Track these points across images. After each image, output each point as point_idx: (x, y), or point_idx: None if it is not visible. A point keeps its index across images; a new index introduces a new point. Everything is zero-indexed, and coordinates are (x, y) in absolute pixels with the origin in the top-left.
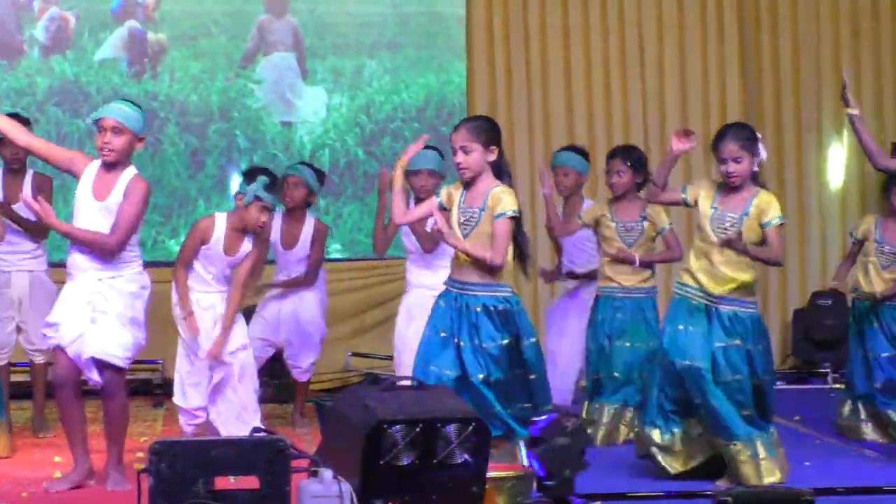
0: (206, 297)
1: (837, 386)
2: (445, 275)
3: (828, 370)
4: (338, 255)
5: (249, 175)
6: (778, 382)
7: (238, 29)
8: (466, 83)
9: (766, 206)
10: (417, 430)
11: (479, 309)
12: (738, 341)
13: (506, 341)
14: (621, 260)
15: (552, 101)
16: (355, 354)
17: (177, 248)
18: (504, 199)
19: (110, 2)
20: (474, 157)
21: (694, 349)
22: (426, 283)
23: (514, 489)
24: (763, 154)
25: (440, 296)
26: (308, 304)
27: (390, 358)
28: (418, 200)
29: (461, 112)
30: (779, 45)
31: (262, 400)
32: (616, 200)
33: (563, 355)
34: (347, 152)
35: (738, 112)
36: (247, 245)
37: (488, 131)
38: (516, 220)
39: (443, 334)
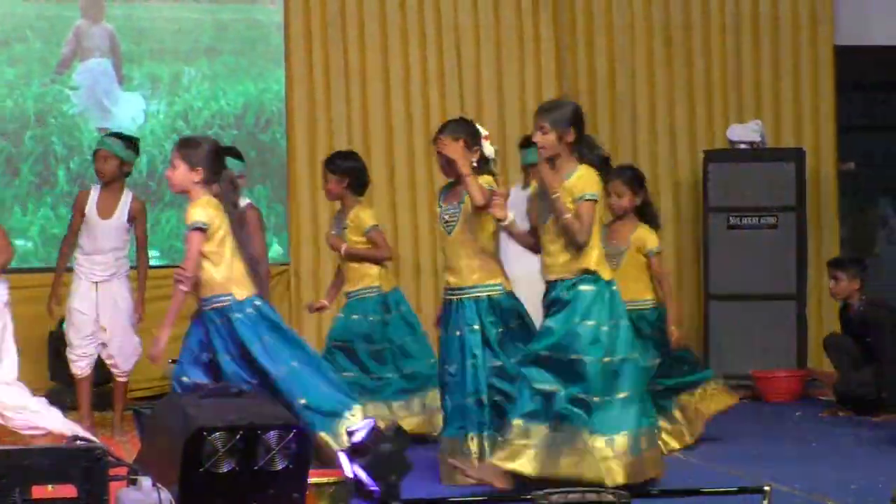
0: None
1: None
2: None
3: None
4: (156, 262)
5: None
6: None
7: (54, 34)
8: (285, 90)
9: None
10: (237, 436)
11: None
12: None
13: None
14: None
15: (371, 108)
16: (174, 361)
17: None
18: None
19: None
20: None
21: None
22: None
23: (336, 495)
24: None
25: None
26: (123, 290)
27: None
28: None
29: (280, 119)
30: (594, 51)
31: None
32: None
33: None
34: (165, 159)
35: None
36: None
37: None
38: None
39: None
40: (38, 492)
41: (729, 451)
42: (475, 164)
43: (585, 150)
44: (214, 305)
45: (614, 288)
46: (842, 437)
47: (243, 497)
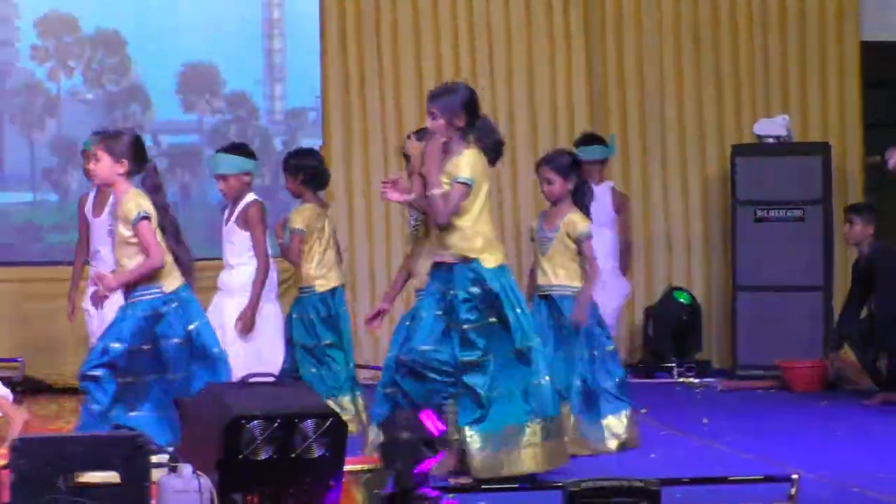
0: None
1: (682, 380)
2: None
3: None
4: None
5: None
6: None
7: None
8: (321, 90)
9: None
10: (275, 425)
11: None
12: None
13: None
14: None
15: (405, 107)
16: None
17: None
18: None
19: None
20: None
21: None
22: None
23: (371, 482)
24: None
25: None
26: None
27: None
28: None
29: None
30: (623, 52)
31: None
32: None
33: None
34: None
35: (584, 116)
36: None
37: None
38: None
39: None
40: (82, 478)
41: (757, 439)
42: None
43: (484, 134)
44: (144, 297)
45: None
46: (868, 425)
47: (281, 484)
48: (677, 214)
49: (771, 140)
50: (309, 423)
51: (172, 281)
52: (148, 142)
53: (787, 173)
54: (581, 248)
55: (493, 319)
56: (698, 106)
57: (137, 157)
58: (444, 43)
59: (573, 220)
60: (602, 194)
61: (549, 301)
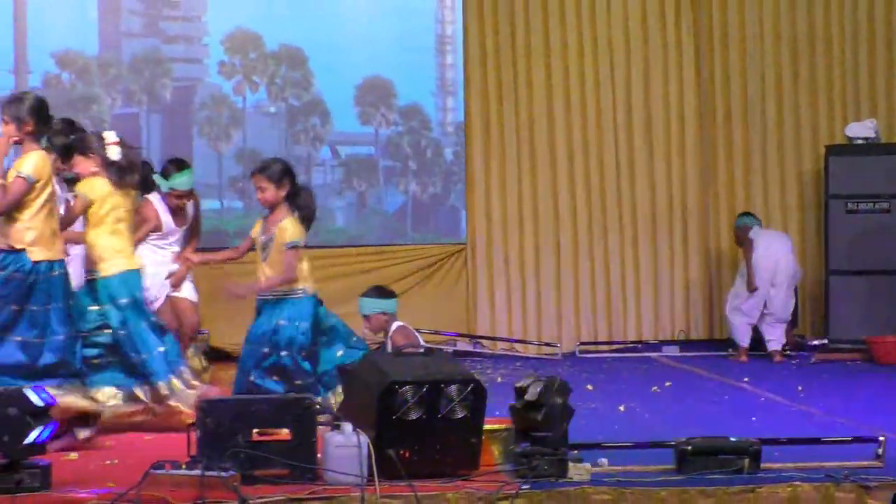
0: None
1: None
2: None
3: None
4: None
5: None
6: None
7: None
8: (464, 98)
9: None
10: (424, 389)
11: None
12: None
13: None
14: None
15: (536, 114)
16: None
17: None
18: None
19: None
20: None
21: None
22: None
23: (507, 440)
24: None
25: None
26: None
27: None
28: None
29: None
30: (728, 62)
31: None
32: None
33: None
34: None
35: (693, 119)
36: None
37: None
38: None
39: None
40: (258, 434)
41: (846, 405)
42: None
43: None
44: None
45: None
46: None
47: (428, 441)
48: (776, 207)
49: (860, 141)
50: (453, 388)
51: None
52: (326, 153)
53: (874, 170)
54: (285, 255)
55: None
56: (795, 110)
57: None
58: (571, 56)
59: (284, 227)
60: None
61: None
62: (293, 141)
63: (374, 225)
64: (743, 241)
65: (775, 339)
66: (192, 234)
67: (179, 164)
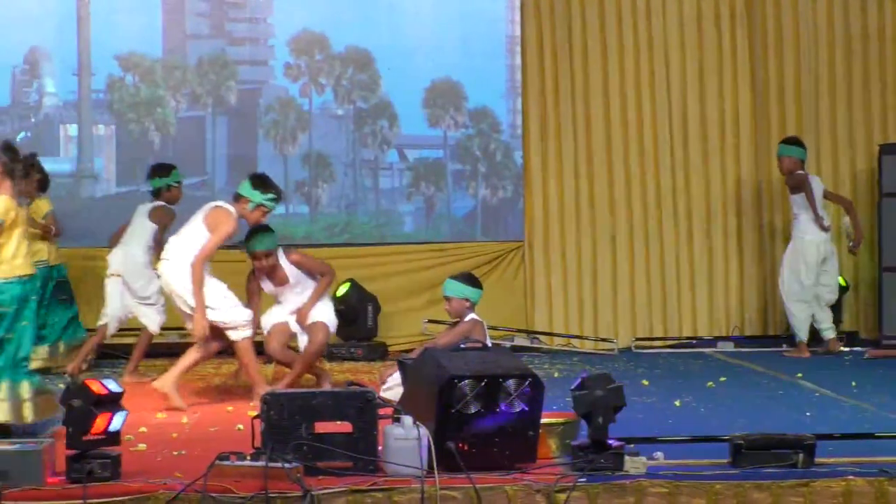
0: None
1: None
2: None
3: None
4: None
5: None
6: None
7: None
8: (522, 99)
9: None
10: (483, 384)
11: None
12: None
13: None
14: None
15: (592, 114)
16: (430, 321)
17: None
18: None
19: None
20: None
21: None
22: None
23: (564, 433)
24: None
25: None
26: None
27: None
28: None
29: None
30: (783, 64)
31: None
32: None
33: None
34: None
35: (748, 119)
36: None
37: None
38: None
39: None
40: (320, 427)
41: None
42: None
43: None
44: None
45: None
46: None
47: (487, 434)
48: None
49: None
50: (511, 382)
51: None
52: (394, 156)
53: None
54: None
55: None
56: (849, 110)
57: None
58: (627, 58)
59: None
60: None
61: None
62: (360, 144)
63: (442, 230)
64: (797, 176)
65: (829, 325)
66: None
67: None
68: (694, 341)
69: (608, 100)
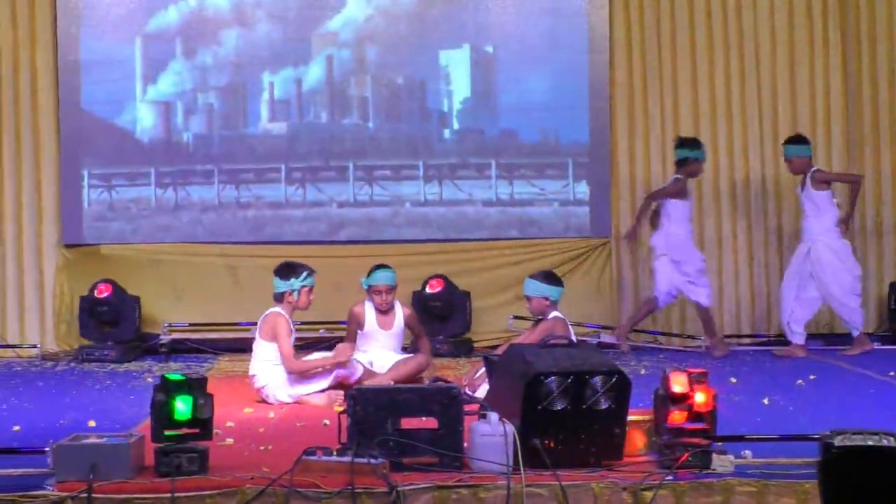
0: None
1: None
2: None
3: None
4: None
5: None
6: (876, 343)
7: None
8: (609, 91)
9: None
10: (569, 380)
11: None
12: None
13: None
14: None
15: (681, 107)
16: (516, 317)
17: None
18: None
19: None
20: None
21: None
22: None
23: (650, 430)
24: None
25: None
26: None
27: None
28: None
29: None
30: (876, 57)
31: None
32: None
33: None
34: None
35: (839, 111)
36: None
37: None
38: None
39: None
40: (406, 423)
41: None
42: None
43: None
44: None
45: None
46: None
47: (573, 431)
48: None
49: None
50: (597, 380)
51: None
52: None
53: None
54: None
55: None
56: None
57: None
58: (717, 48)
59: None
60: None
61: None
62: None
63: (528, 226)
64: (820, 174)
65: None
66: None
67: None
68: (782, 339)
69: (696, 94)
